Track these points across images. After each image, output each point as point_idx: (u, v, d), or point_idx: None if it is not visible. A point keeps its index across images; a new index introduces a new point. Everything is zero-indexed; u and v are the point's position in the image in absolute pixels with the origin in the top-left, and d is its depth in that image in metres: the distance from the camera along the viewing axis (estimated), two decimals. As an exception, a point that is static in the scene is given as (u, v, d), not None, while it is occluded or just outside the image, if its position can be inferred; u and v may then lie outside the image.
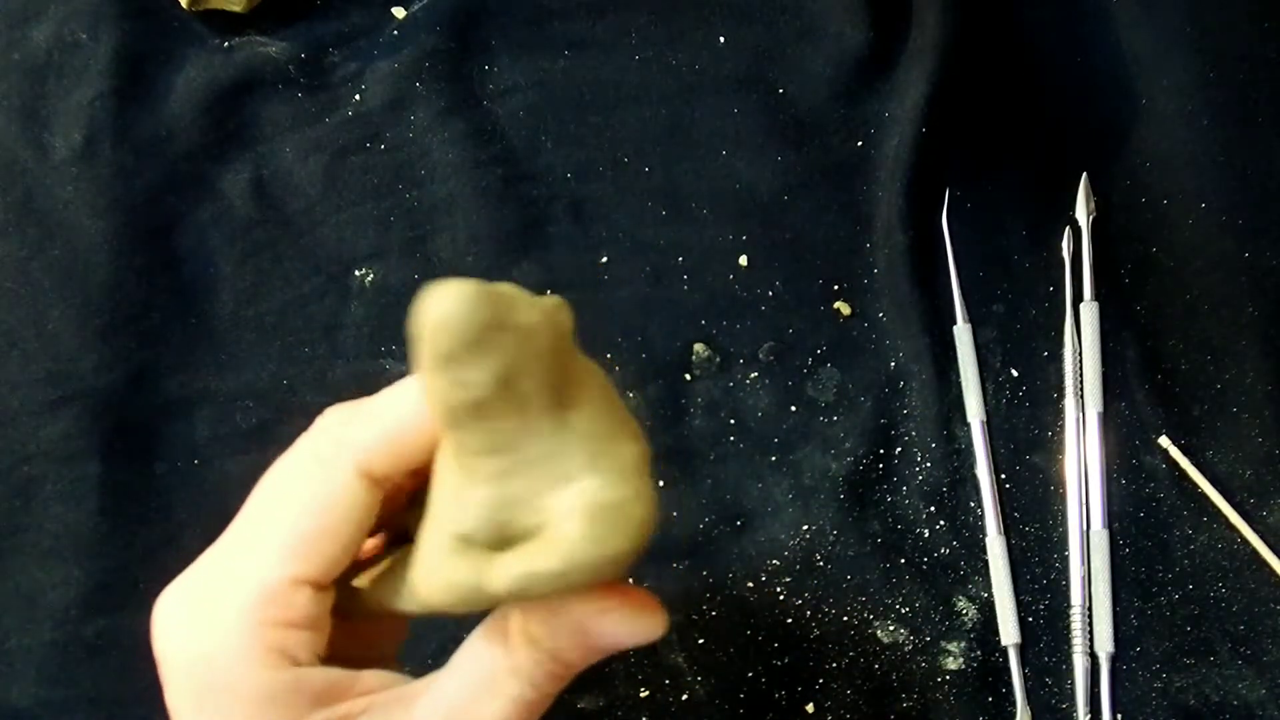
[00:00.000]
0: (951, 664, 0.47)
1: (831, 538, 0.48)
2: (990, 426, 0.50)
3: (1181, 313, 0.51)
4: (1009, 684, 0.47)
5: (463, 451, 0.28)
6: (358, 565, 0.32)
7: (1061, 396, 0.50)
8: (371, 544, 0.34)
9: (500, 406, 0.27)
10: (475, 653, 0.30)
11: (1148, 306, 0.51)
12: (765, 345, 0.51)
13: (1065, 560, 0.48)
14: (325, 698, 0.30)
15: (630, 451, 0.28)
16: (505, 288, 0.27)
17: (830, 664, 0.47)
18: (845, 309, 0.51)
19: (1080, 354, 0.50)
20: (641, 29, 0.54)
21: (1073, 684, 0.47)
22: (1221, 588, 0.48)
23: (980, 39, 0.53)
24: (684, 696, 0.47)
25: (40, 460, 0.49)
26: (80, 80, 0.52)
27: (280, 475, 0.31)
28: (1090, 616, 0.47)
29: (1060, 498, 0.49)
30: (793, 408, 0.50)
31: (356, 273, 0.51)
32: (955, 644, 0.47)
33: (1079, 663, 0.47)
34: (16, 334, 0.50)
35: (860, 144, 0.53)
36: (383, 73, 0.53)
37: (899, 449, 0.49)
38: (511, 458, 0.27)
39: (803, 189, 0.52)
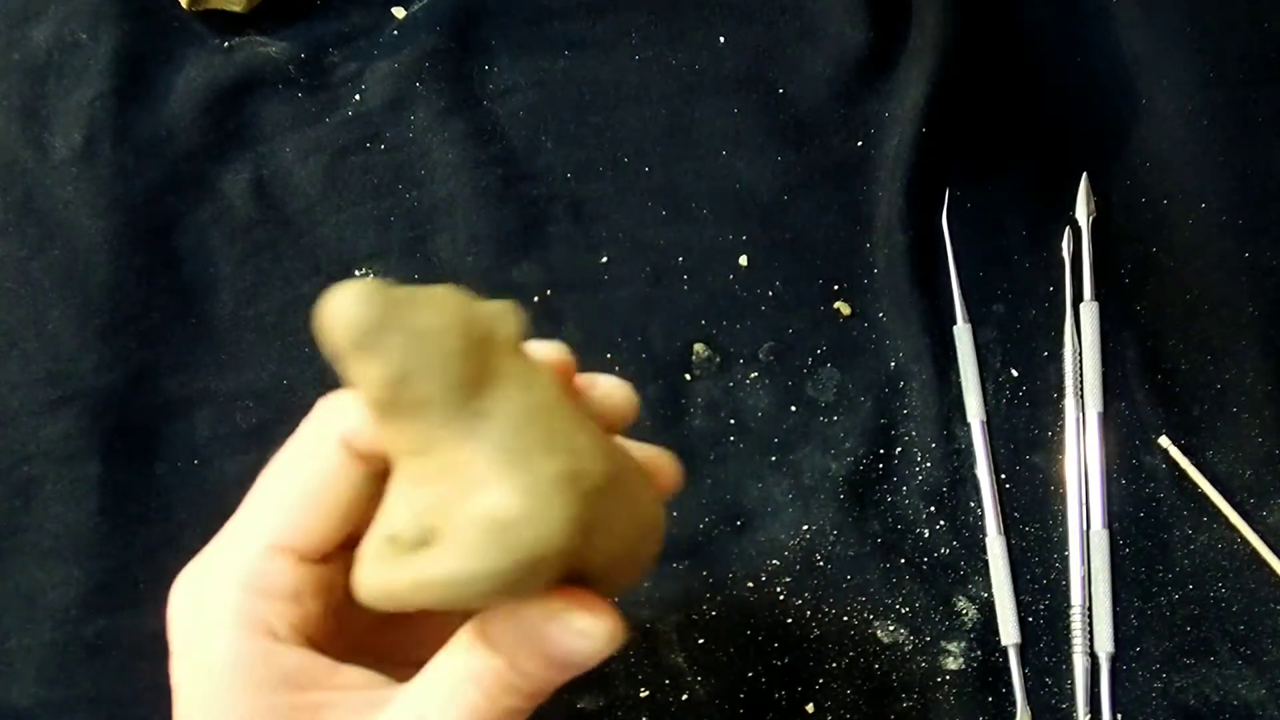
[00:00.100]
0: (951, 664, 0.47)
1: (831, 538, 0.48)
2: (990, 426, 0.50)
3: (1181, 313, 0.51)
4: (1009, 684, 0.47)
5: (393, 449, 0.28)
6: None
7: (1061, 396, 0.50)
8: None
9: (400, 408, 0.27)
10: (447, 656, 0.30)
11: (1148, 306, 0.51)
12: (765, 345, 0.51)
13: (1065, 560, 0.48)
14: (294, 680, 0.29)
15: (550, 466, 0.26)
16: (407, 289, 0.27)
17: (830, 664, 0.47)
18: (845, 309, 0.51)
19: (1080, 354, 0.50)
20: (641, 29, 0.54)
21: (1073, 684, 0.47)
22: (1221, 588, 0.48)
23: (980, 39, 0.53)
24: (684, 696, 0.47)
25: (40, 460, 0.49)
26: (80, 80, 0.52)
27: (279, 454, 0.32)
28: (1090, 616, 0.47)
29: (1060, 498, 0.49)
30: (793, 408, 0.50)
31: (356, 273, 0.51)
32: (955, 644, 0.47)
33: (1079, 663, 0.47)
34: (16, 334, 0.50)
35: (860, 144, 0.53)
36: (383, 73, 0.53)
37: (899, 449, 0.49)
38: (431, 461, 0.27)
39: (803, 189, 0.52)
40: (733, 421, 0.50)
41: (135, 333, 0.50)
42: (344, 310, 0.26)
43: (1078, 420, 0.49)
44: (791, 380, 0.50)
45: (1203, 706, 0.46)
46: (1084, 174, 0.52)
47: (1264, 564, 0.48)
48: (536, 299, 0.51)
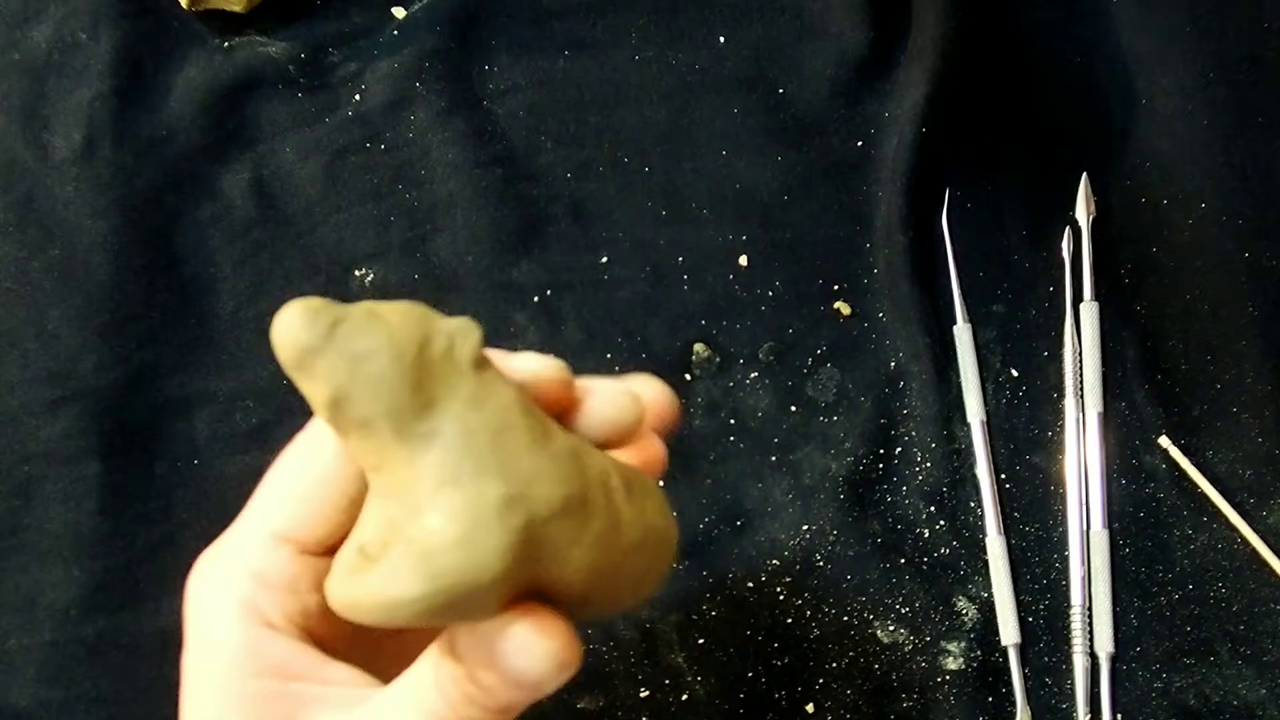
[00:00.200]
0: (951, 664, 0.47)
1: (831, 538, 0.48)
2: (990, 426, 0.50)
3: (1181, 313, 0.51)
4: (1009, 684, 0.47)
5: (358, 462, 0.28)
6: None
7: (1061, 396, 0.50)
8: None
9: (347, 427, 0.27)
10: (421, 662, 0.30)
11: (1148, 306, 0.51)
12: (765, 345, 0.51)
13: (1065, 560, 0.48)
14: (282, 671, 0.30)
15: (490, 491, 0.26)
16: (361, 308, 0.27)
17: (830, 664, 0.47)
18: (845, 309, 0.51)
19: (1080, 354, 0.50)
20: (641, 29, 0.54)
21: (1073, 684, 0.47)
22: (1221, 588, 0.48)
23: (980, 39, 0.53)
24: (684, 696, 0.47)
25: (40, 460, 0.49)
26: (80, 80, 0.52)
27: (291, 444, 0.32)
28: (1090, 616, 0.47)
29: (1060, 498, 0.49)
30: (793, 408, 0.50)
31: (356, 273, 0.51)
32: (955, 644, 0.47)
33: (1079, 663, 0.47)
34: (16, 334, 0.50)
35: (860, 144, 0.53)
36: (383, 73, 0.53)
37: (899, 449, 0.49)
38: (387, 476, 0.27)
39: (803, 189, 0.52)
40: (733, 421, 0.50)
41: (135, 333, 0.50)
42: (284, 330, 0.26)
43: (1078, 420, 0.49)
44: (791, 380, 0.50)
45: (1203, 706, 0.46)
46: (1084, 174, 0.52)
47: (1264, 564, 0.48)
48: (536, 299, 0.51)
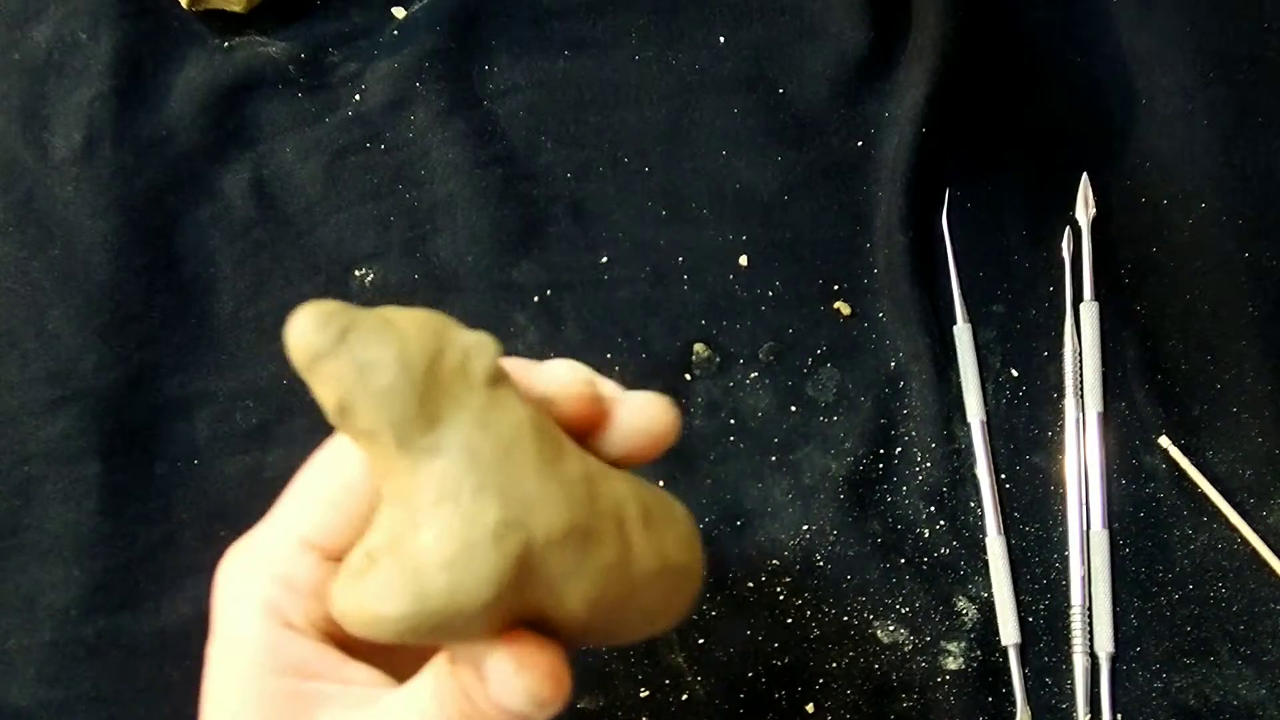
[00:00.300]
0: (951, 664, 0.47)
1: (831, 538, 0.48)
2: (990, 426, 0.50)
3: (1181, 313, 0.51)
4: (1009, 684, 0.47)
5: (370, 466, 0.28)
6: None
7: (1061, 396, 0.50)
8: None
9: (354, 434, 0.27)
10: (428, 670, 0.30)
11: (1148, 306, 0.51)
12: (765, 345, 0.51)
13: (1065, 560, 0.48)
14: (301, 669, 0.30)
15: (487, 515, 0.25)
16: (377, 314, 0.27)
17: (830, 664, 0.47)
18: (845, 309, 0.51)
19: (1080, 354, 0.50)
20: (641, 29, 0.54)
21: (1073, 684, 0.47)
22: (1221, 588, 0.48)
23: (980, 39, 0.53)
24: (684, 696, 0.47)
25: (40, 460, 0.49)
26: (80, 80, 0.52)
27: (325, 446, 0.32)
28: (1090, 616, 0.47)
29: (1060, 498, 0.49)
30: (793, 408, 0.50)
31: (356, 273, 0.51)
32: (955, 644, 0.47)
33: (1079, 663, 0.47)
34: (16, 334, 0.50)
35: (860, 144, 0.53)
36: (383, 73, 0.53)
37: (899, 449, 0.49)
38: (391, 484, 0.27)
39: (803, 189, 0.52)
40: (733, 421, 0.50)
41: (135, 333, 0.50)
42: (296, 333, 0.26)
43: (1078, 420, 0.49)
44: (791, 380, 0.50)
45: (1203, 706, 0.46)
46: (1084, 174, 0.52)
47: (1264, 564, 0.48)
48: (536, 299, 0.51)
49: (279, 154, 0.52)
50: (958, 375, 0.50)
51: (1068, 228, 0.52)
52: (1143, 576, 0.48)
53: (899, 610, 0.47)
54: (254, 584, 0.31)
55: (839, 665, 0.47)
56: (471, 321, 0.52)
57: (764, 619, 0.48)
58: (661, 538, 0.29)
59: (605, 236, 0.52)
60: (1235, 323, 0.50)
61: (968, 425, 0.50)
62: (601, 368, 0.50)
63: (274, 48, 0.53)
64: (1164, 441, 0.49)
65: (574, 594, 0.27)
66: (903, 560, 0.48)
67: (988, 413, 0.50)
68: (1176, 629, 0.47)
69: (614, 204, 0.52)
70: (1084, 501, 0.49)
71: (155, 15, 0.53)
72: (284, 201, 0.52)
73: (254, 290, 0.51)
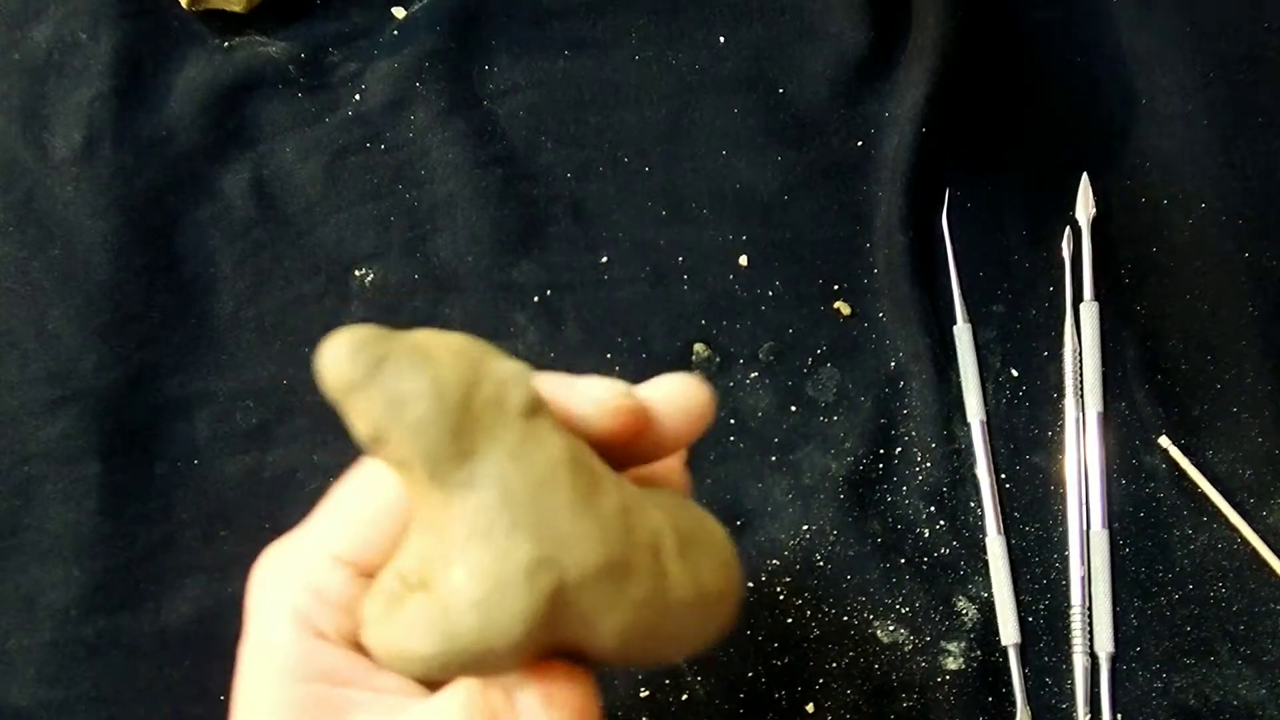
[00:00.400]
0: (951, 664, 0.47)
1: (831, 538, 0.48)
2: (990, 426, 0.50)
3: (1181, 313, 0.51)
4: (1009, 684, 0.47)
5: (406, 491, 0.28)
6: None
7: (1061, 396, 0.50)
8: None
9: (386, 461, 0.26)
10: (458, 682, 0.30)
11: (1148, 306, 0.51)
12: (765, 345, 0.51)
13: (1065, 560, 0.48)
14: (332, 676, 0.30)
15: (519, 553, 0.25)
16: (415, 340, 0.26)
17: (830, 664, 0.47)
18: (845, 309, 0.51)
19: (1080, 354, 0.50)
20: (641, 29, 0.54)
21: (1073, 684, 0.47)
22: (1221, 588, 0.48)
23: (980, 39, 0.53)
24: (684, 696, 0.47)
25: (40, 460, 0.49)
26: (80, 80, 0.52)
27: (366, 461, 0.32)
28: (1090, 616, 0.47)
29: (1060, 498, 0.49)
30: (793, 408, 0.50)
31: (356, 273, 0.51)
32: (955, 644, 0.47)
33: (1079, 663, 0.47)
34: (16, 334, 0.50)
35: (860, 144, 0.53)
36: (383, 73, 0.53)
37: (899, 449, 0.49)
38: (424, 513, 0.27)
39: (803, 189, 0.52)
40: (733, 421, 0.50)
41: (135, 333, 0.50)
42: (328, 361, 0.26)
43: (1078, 420, 0.49)
44: (791, 380, 0.50)
45: (1203, 706, 0.46)
46: (1084, 174, 0.52)
47: (1264, 564, 0.48)
48: (536, 299, 0.51)
49: (279, 154, 0.52)
50: (958, 375, 0.50)
51: (1068, 228, 0.52)
52: (1143, 576, 0.48)
53: (899, 610, 0.47)
54: (286, 592, 0.31)
55: (839, 665, 0.47)
56: (472, 321, 0.52)
57: (764, 619, 0.48)
58: (697, 566, 0.28)
59: (605, 236, 0.52)
60: (1235, 323, 0.50)
61: (968, 425, 0.50)
62: (601, 368, 0.50)
63: (274, 48, 0.53)
64: (1164, 441, 0.49)
65: (607, 627, 0.26)
66: (903, 560, 0.48)
67: (988, 413, 0.50)
68: (1176, 629, 0.47)
69: (614, 204, 0.52)
70: (1084, 501, 0.49)
71: (155, 15, 0.53)
72: (284, 201, 0.52)
73: (254, 290, 0.51)
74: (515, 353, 0.28)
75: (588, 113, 0.53)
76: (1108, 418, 0.50)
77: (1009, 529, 0.49)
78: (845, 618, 0.47)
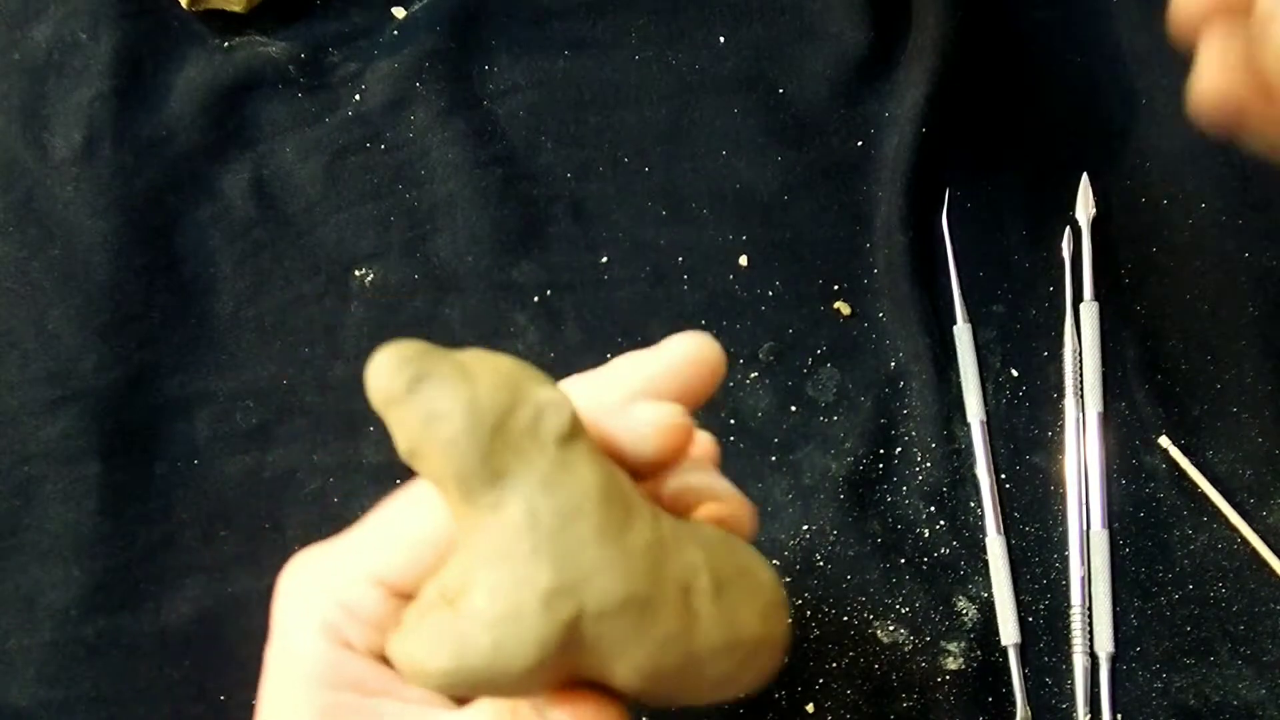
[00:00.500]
0: (951, 664, 0.47)
1: (831, 538, 0.48)
2: (990, 426, 0.50)
3: (1181, 313, 0.51)
4: (1009, 684, 0.47)
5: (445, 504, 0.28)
6: None
7: (1061, 396, 0.50)
8: None
9: (425, 479, 0.27)
10: (485, 699, 0.30)
11: (1148, 306, 0.51)
12: (765, 345, 0.51)
13: (1065, 560, 0.48)
14: (359, 685, 0.30)
15: (539, 581, 0.25)
16: (462, 359, 0.27)
17: (830, 664, 0.47)
18: (845, 309, 0.51)
19: (1080, 354, 0.50)
20: (641, 29, 0.54)
21: (1073, 684, 0.47)
22: (1221, 588, 0.48)
23: (980, 39, 0.53)
24: (684, 696, 0.47)
25: (40, 460, 0.49)
26: (80, 80, 0.52)
27: (410, 484, 0.32)
28: (1090, 616, 0.47)
29: (1060, 498, 0.49)
30: (793, 408, 0.50)
31: (356, 273, 0.51)
32: (955, 644, 0.47)
33: (1079, 663, 0.47)
34: (16, 334, 0.50)
35: (860, 144, 0.53)
36: (383, 73, 0.53)
37: (899, 449, 0.49)
38: (461, 528, 0.27)
39: (803, 189, 0.52)
40: (733, 421, 0.50)
41: (135, 333, 0.50)
42: (372, 375, 0.26)
43: (1078, 420, 0.49)
44: (791, 380, 0.50)
45: (1203, 706, 0.46)
46: (1084, 174, 0.52)
47: (1264, 564, 0.48)
48: (536, 299, 0.51)
49: (279, 154, 0.52)
50: (958, 375, 0.50)
51: (1068, 228, 0.52)
52: (1143, 576, 0.48)
53: (899, 610, 0.47)
54: (316, 603, 0.31)
55: (839, 665, 0.47)
56: (471, 321, 0.52)
57: (764, 619, 0.47)
58: (734, 609, 0.28)
59: (605, 236, 0.52)
60: (1235, 323, 0.50)
61: (968, 425, 0.50)
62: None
63: (274, 48, 0.53)
64: (1164, 441, 0.49)
65: (627, 663, 0.27)
66: (903, 560, 0.48)
67: (988, 413, 0.50)
68: (1176, 629, 0.47)
69: (614, 204, 0.52)
70: (1084, 501, 0.49)
71: (155, 15, 0.53)
72: (284, 201, 0.52)
73: (254, 290, 0.51)
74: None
75: (588, 113, 0.53)
76: (1108, 418, 0.50)
77: (1009, 529, 0.49)
78: (845, 618, 0.47)
